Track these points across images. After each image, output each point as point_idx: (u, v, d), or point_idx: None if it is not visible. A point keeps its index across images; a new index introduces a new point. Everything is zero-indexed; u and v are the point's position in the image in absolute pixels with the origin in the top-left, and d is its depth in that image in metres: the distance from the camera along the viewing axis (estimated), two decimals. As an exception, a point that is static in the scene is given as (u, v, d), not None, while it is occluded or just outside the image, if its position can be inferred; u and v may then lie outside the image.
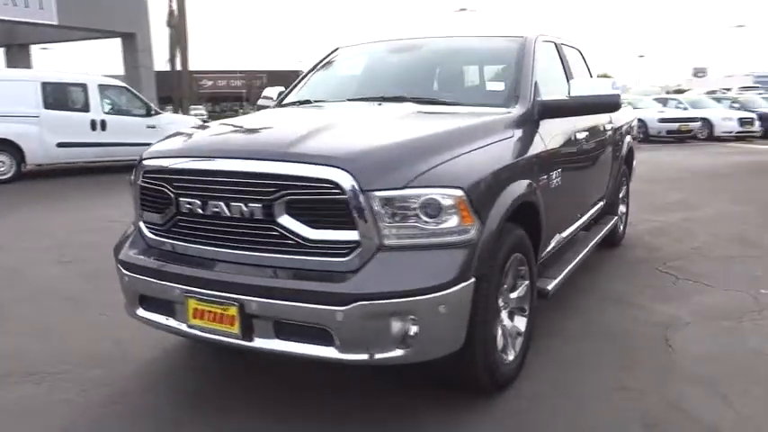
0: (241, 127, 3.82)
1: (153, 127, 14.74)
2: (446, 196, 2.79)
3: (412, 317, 2.76)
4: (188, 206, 3.07)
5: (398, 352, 2.80)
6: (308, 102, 4.37)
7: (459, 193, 2.82)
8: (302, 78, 4.98)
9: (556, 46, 5.04)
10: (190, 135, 3.53)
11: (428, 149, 3.01)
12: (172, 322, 3.21)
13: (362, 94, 4.35)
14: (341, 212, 2.78)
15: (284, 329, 2.88)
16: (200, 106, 49.97)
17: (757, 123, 23.37)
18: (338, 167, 2.76)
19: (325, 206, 2.80)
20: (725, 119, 23.60)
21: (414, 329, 2.77)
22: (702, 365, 3.77)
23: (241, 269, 2.98)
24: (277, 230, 2.87)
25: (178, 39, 27.58)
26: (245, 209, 2.90)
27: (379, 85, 4.53)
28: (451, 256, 2.83)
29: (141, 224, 3.41)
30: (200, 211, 3.03)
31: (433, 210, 2.78)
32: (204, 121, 15.25)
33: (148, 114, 15.25)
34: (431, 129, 3.34)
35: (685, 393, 3.42)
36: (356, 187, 2.73)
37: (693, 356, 3.92)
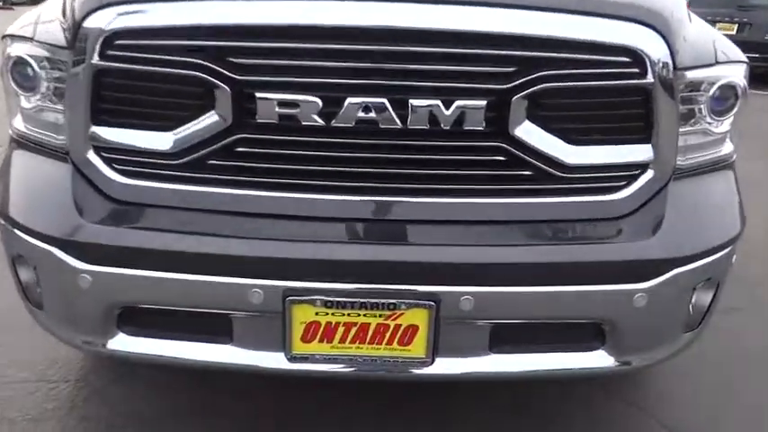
0: None
1: None
2: (744, 78, 1.70)
3: (712, 279, 1.69)
4: (283, 109, 1.40)
5: (683, 340, 1.72)
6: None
7: (745, 71, 1.75)
8: None
9: None
10: None
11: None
12: (226, 355, 1.56)
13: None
14: (633, 110, 1.51)
15: (509, 337, 1.55)
16: None
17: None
18: (645, 24, 1.45)
19: (605, 100, 1.49)
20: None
21: (709, 298, 1.71)
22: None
23: (423, 234, 1.50)
24: (506, 152, 1.46)
25: None
26: (445, 112, 1.39)
27: None
28: (732, 182, 1.79)
29: (93, 156, 1.55)
30: (317, 119, 1.40)
31: (726, 101, 1.68)
32: None
33: None
34: None
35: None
36: (669, 62, 1.48)
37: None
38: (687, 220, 1.59)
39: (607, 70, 1.44)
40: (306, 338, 1.48)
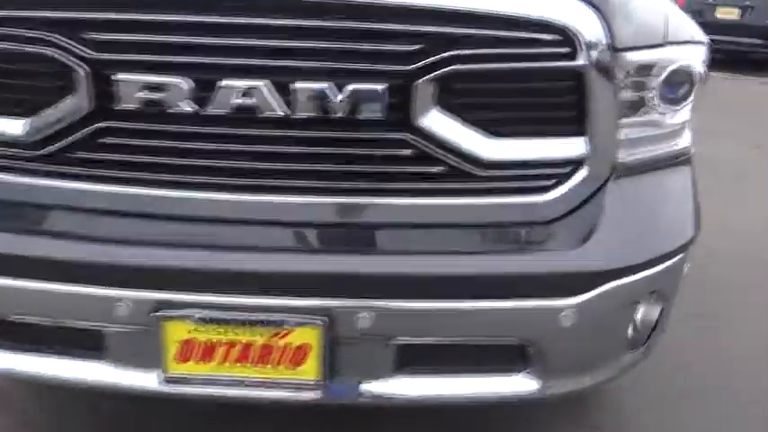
0: None
1: None
2: (700, 62, 1.49)
3: (659, 292, 1.49)
4: (147, 94, 1.19)
5: (626, 360, 1.53)
6: None
7: (705, 53, 1.54)
8: None
9: None
10: None
11: None
12: (95, 373, 1.36)
13: None
14: (563, 98, 1.31)
15: (420, 357, 1.36)
16: None
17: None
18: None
19: (529, 85, 1.28)
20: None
21: (657, 312, 1.52)
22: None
23: (312, 239, 1.30)
24: (411, 145, 1.25)
25: None
26: (336, 98, 1.18)
27: None
28: (688, 181, 1.58)
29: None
30: (186, 106, 1.19)
31: (681, 87, 1.47)
32: None
33: None
34: None
35: None
36: (605, 41, 1.26)
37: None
38: (626, 225, 1.38)
39: (530, 50, 1.23)
40: (182, 358, 1.29)
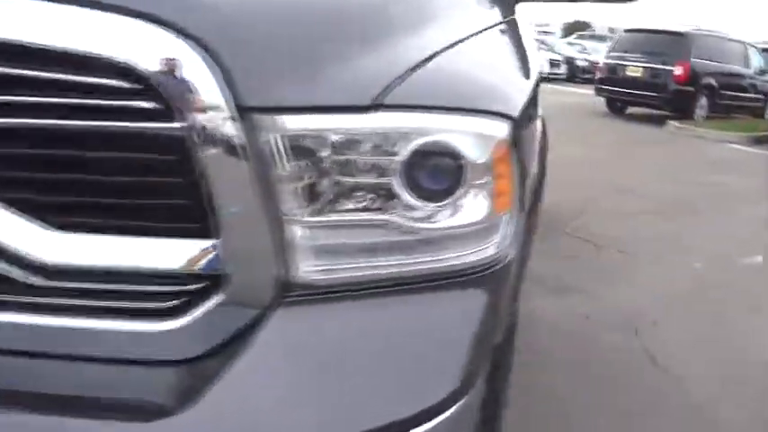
0: None
1: None
2: (477, 137, 0.97)
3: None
4: None
5: None
6: None
7: (505, 131, 1.01)
8: None
9: None
10: None
11: (376, 14, 1.09)
12: None
13: None
14: (163, 178, 0.84)
15: None
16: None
17: (564, 66, 24.02)
18: (151, 18, 0.79)
19: (105, 156, 0.83)
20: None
21: None
22: (724, 407, 2.51)
23: None
24: None
25: None
26: None
27: None
28: (473, 311, 1.02)
29: None
30: None
31: (440, 175, 0.95)
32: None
33: None
34: None
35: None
36: (223, 99, 0.79)
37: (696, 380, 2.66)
38: (288, 383, 0.86)
39: (89, 101, 0.78)
40: None
